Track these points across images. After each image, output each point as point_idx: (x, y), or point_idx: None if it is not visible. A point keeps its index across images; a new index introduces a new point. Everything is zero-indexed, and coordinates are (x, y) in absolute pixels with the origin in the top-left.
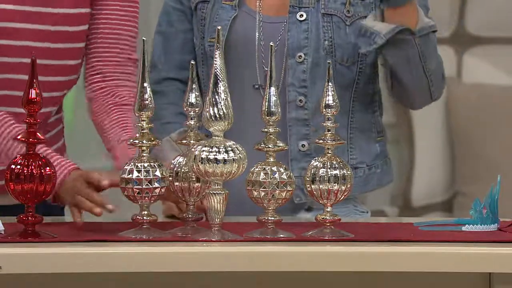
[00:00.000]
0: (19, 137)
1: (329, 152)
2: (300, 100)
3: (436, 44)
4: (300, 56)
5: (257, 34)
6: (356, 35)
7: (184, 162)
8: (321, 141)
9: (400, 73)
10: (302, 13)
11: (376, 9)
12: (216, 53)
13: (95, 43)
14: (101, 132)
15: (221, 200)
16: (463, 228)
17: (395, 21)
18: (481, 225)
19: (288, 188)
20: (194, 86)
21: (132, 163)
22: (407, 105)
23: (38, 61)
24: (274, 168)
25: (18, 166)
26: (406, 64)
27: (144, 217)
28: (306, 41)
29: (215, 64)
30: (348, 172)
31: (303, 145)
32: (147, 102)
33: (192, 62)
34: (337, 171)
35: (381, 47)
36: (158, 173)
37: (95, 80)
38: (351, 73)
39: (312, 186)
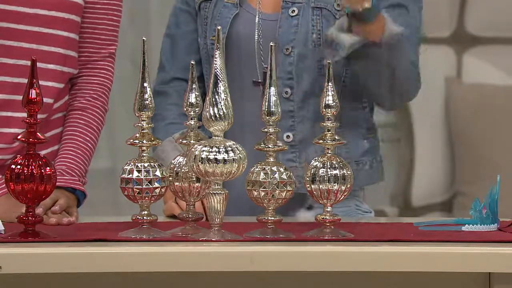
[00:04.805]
0: (19, 137)
1: (329, 152)
2: (286, 92)
3: (406, 50)
4: (287, 49)
5: (256, 31)
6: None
7: (184, 162)
8: (321, 141)
9: (368, 83)
10: (294, 8)
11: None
12: (216, 53)
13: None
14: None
15: (221, 200)
16: (463, 228)
17: (360, 34)
18: (481, 225)
19: (288, 188)
20: (194, 86)
21: (132, 163)
22: (379, 106)
23: (29, 45)
24: (274, 168)
25: (18, 166)
26: (372, 75)
27: (144, 217)
28: (294, 34)
29: (215, 64)
30: (348, 172)
31: (288, 136)
32: (147, 102)
33: (192, 62)
34: (337, 171)
35: (346, 58)
36: (158, 173)
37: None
38: (337, 67)
39: (312, 186)
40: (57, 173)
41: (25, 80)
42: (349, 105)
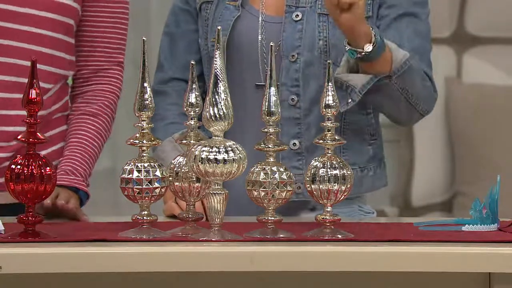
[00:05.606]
0: (19, 137)
1: (329, 152)
2: (292, 99)
3: (416, 68)
4: (293, 55)
5: (259, 33)
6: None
7: (184, 162)
8: (321, 141)
9: (384, 109)
10: (298, 13)
11: (371, 9)
12: (216, 53)
13: (80, 45)
14: (66, 136)
15: (221, 200)
16: (463, 228)
17: (369, 69)
18: (481, 225)
19: (288, 188)
20: (194, 86)
21: (132, 163)
22: (397, 124)
23: (18, 44)
24: (274, 168)
25: (18, 166)
26: (388, 102)
27: (144, 217)
28: (299, 41)
29: (215, 64)
30: (348, 172)
31: (294, 144)
32: (147, 102)
33: (192, 62)
34: (337, 171)
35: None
36: (158, 173)
37: (76, 84)
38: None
39: (312, 186)
40: (62, 172)
41: (16, 79)
42: (353, 110)
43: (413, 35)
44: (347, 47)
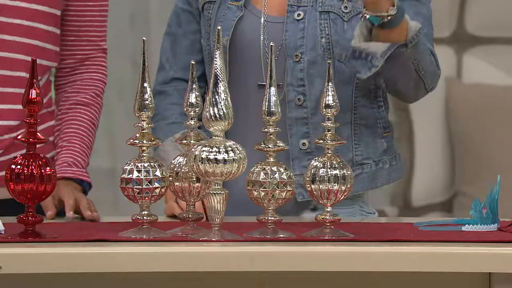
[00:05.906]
0: (19, 137)
1: (329, 152)
2: (299, 99)
3: (424, 42)
4: (297, 55)
5: (261, 33)
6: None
7: (184, 162)
8: (321, 141)
9: (394, 81)
10: (299, 12)
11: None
12: (216, 53)
13: (65, 34)
14: (56, 128)
15: (221, 200)
16: (463, 228)
17: (386, 39)
18: (481, 225)
19: (288, 188)
20: (194, 86)
21: (132, 163)
22: (402, 100)
23: (10, 37)
24: (274, 168)
25: (18, 166)
26: (400, 73)
27: (144, 217)
28: (302, 40)
29: (215, 64)
30: (348, 172)
31: (303, 144)
32: (147, 102)
33: (192, 62)
34: (337, 171)
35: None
36: (158, 173)
37: (62, 74)
38: (350, 69)
39: (312, 186)
40: (65, 164)
41: (9, 72)
42: (364, 104)
43: (415, 16)
44: (368, 15)
